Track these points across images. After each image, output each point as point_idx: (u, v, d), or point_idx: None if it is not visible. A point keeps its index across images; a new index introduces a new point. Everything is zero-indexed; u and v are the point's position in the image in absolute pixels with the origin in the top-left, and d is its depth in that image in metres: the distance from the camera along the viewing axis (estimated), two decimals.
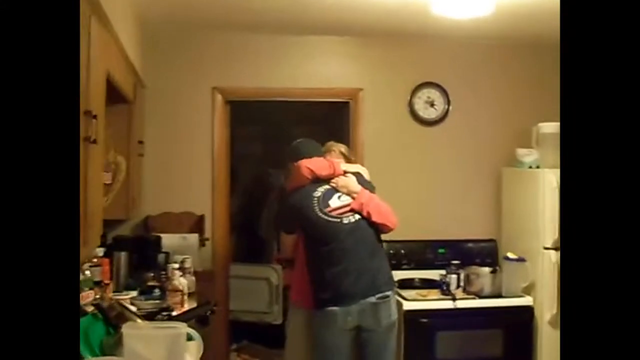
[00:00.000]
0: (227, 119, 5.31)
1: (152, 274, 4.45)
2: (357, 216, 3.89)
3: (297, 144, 4.14)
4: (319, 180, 3.94)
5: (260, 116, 6.25)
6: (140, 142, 4.74)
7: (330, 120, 6.03)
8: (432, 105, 5.40)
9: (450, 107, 5.41)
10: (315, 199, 3.89)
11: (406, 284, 4.98)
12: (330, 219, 3.85)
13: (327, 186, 3.95)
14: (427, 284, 4.97)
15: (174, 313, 3.93)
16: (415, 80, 5.39)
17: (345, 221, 3.86)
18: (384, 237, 5.16)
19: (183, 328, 2.69)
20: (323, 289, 3.83)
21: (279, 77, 5.27)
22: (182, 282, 4.19)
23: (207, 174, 5.19)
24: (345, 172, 4.03)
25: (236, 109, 5.44)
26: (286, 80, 5.28)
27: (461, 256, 5.08)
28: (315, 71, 5.31)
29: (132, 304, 4.15)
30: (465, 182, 5.44)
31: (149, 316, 3.76)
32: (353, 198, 3.94)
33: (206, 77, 5.19)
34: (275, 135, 6.57)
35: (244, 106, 5.43)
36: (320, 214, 3.85)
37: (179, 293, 4.13)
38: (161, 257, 4.72)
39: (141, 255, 4.65)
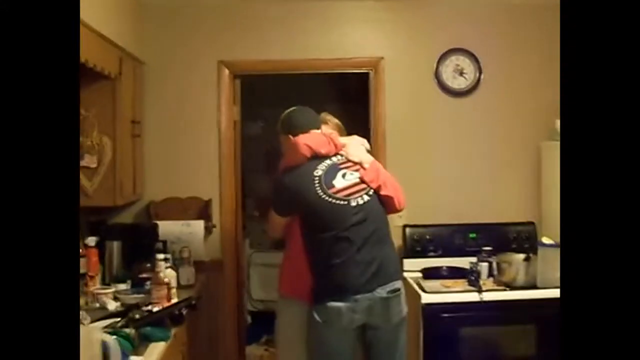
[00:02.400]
0: (235, 95, 4.89)
1: (148, 265, 4.10)
2: (366, 197, 3.41)
3: (291, 114, 3.64)
4: (317, 157, 3.46)
5: (274, 92, 5.79)
6: (135, 122, 4.38)
7: (351, 94, 5.53)
8: (461, 74, 4.86)
9: (482, 76, 4.85)
10: (317, 178, 3.39)
11: (432, 273, 4.48)
12: (335, 201, 3.35)
13: (328, 162, 3.46)
14: (455, 273, 4.45)
15: (156, 309, 3.57)
16: (442, 46, 4.85)
17: (354, 203, 3.37)
18: (406, 221, 4.78)
19: (97, 333, 2.29)
20: (325, 281, 3.36)
21: (292, 48, 4.82)
22: (168, 274, 3.79)
23: (213, 155, 4.79)
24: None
25: (247, 84, 5.02)
26: (300, 51, 4.82)
27: (495, 242, 4.53)
28: (331, 40, 4.84)
29: (115, 298, 3.82)
30: (500, 159, 4.87)
31: (124, 313, 3.40)
32: (364, 168, 3.47)
33: (211, 49, 4.78)
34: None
35: (254, 82, 5.00)
36: (324, 196, 3.35)
37: (164, 286, 3.74)
38: (159, 246, 4.35)
39: (136, 245, 4.30)
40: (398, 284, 3.44)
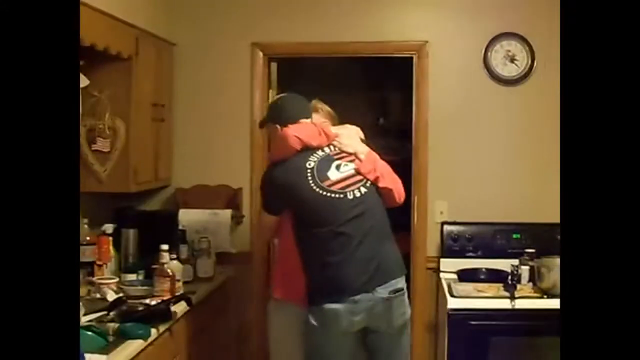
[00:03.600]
0: (269, 79, 4.66)
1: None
2: (364, 189, 3.15)
3: (279, 102, 3.40)
4: (308, 148, 3.20)
5: (311, 76, 5.50)
6: (158, 105, 4.21)
7: (393, 81, 5.20)
8: (512, 60, 4.45)
9: (535, 63, 4.44)
10: (309, 171, 3.14)
11: (467, 275, 4.13)
12: (331, 194, 3.10)
13: (320, 153, 3.21)
14: (493, 276, 4.09)
15: (154, 302, 3.39)
16: (491, 30, 4.47)
17: (350, 196, 3.12)
18: (446, 217, 4.44)
19: None
20: (320, 280, 3.11)
21: (330, 30, 4.54)
22: (173, 266, 3.61)
23: (245, 142, 4.58)
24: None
25: (285, 69, 4.78)
26: (339, 34, 4.54)
27: (541, 244, 4.11)
28: (372, 22, 4.53)
29: (120, 289, 3.66)
30: (552, 154, 4.41)
31: (111, 306, 3.24)
32: (359, 159, 3.21)
33: (244, 31, 4.56)
34: (330, 100, 5.89)
35: (294, 65, 4.75)
36: (318, 190, 3.11)
37: (167, 279, 3.56)
38: (179, 235, 4.18)
39: (154, 233, 4.13)
40: (401, 283, 3.17)
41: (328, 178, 3.14)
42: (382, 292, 3.08)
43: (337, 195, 3.11)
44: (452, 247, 4.33)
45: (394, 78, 5.60)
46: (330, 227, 3.08)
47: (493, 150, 4.49)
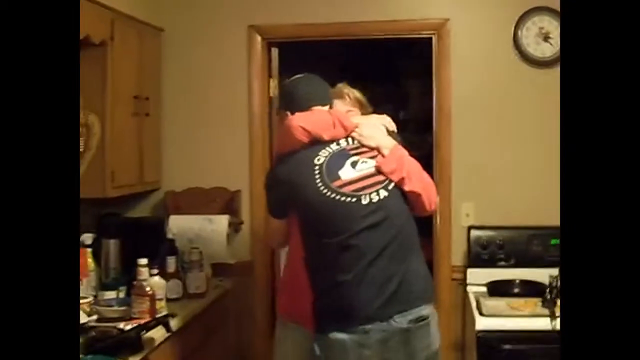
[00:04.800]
0: (269, 67, 4.14)
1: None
2: (384, 192, 2.58)
3: (292, 85, 2.85)
4: (319, 142, 2.66)
5: (319, 64, 4.93)
6: (140, 98, 3.70)
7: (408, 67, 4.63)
8: (546, 39, 3.88)
9: None
10: (317, 168, 2.60)
11: (499, 288, 3.58)
12: (340, 197, 2.54)
13: (334, 147, 2.66)
14: (529, 289, 3.52)
15: (129, 327, 2.88)
16: (522, 4, 3.91)
17: (365, 200, 2.54)
18: (473, 221, 3.89)
19: None
20: (326, 303, 2.57)
21: (338, 9, 4.00)
22: (153, 283, 3.10)
23: (243, 138, 4.05)
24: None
25: (285, 55, 4.24)
26: (348, 13, 4.00)
27: None
28: None
29: (94, 310, 3.15)
30: None
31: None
32: (382, 155, 2.64)
33: (240, 13, 4.05)
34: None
35: (294, 51, 4.20)
36: (325, 192, 2.55)
37: (147, 298, 3.05)
38: (167, 245, 3.67)
39: (138, 243, 3.62)
40: (426, 309, 2.59)
41: (339, 177, 2.58)
42: (401, 321, 2.51)
43: (348, 199, 2.54)
44: (480, 255, 3.77)
45: (411, 64, 5.07)
46: (338, 237, 2.53)
47: (526, 142, 3.91)
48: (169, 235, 3.81)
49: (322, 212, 2.57)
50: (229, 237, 3.96)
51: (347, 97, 2.96)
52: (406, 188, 2.62)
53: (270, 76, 4.14)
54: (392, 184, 2.61)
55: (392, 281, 2.52)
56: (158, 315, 3.05)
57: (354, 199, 2.55)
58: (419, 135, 5.48)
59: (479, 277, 3.71)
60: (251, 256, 4.07)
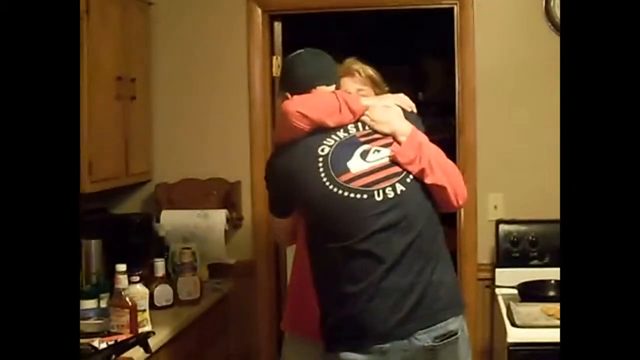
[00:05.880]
0: (271, 43, 3.72)
1: (139, 272, 3.03)
2: (401, 186, 2.21)
3: (291, 62, 2.48)
4: (323, 129, 2.28)
5: (329, 41, 4.49)
6: (124, 79, 3.29)
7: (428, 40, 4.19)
8: None
9: None
10: (321, 160, 2.24)
11: (532, 291, 3.14)
12: (350, 194, 2.19)
13: (341, 134, 2.29)
14: None
15: (103, 345, 2.49)
16: None
17: (379, 197, 2.19)
18: (503, 214, 3.46)
19: None
20: (336, 318, 2.22)
21: None
22: (133, 292, 2.70)
23: (243, 123, 3.64)
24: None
25: (290, 30, 3.82)
26: None
27: None
28: None
29: None
30: None
31: None
32: (398, 143, 2.27)
33: None
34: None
35: (300, 25, 3.78)
36: (331, 187, 2.20)
37: (126, 310, 2.65)
38: (157, 245, 3.29)
39: (124, 243, 3.23)
40: (454, 324, 2.23)
41: (347, 170, 2.23)
42: (424, 338, 2.16)
43: (358, 195, 2.19)
44: (510, 252, 3.34)
45: (431, 39, 4.62)
46: (348, 241, 2.18)
47: (559, 125, 3.46)
48: (161, 233, 3.43)
49: (328, 212, 2.20)
50: (228, 234, 3.58)
51: (357, 74, 2.56)
52: (428, 181, 2.24)
53: (273, 54, 3.72)
54: (411, 177, 2.24)
55: (412, 292, 2.17)
56: (140, 331, 2.66)
57: (365, 195, 2.18)
58: (441, 118, 5.05)
59: (508, 278, 3.27)
60: (253, 255, 3.66)
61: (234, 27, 3.62)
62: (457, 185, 2.31)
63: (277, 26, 3.75)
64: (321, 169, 2.21)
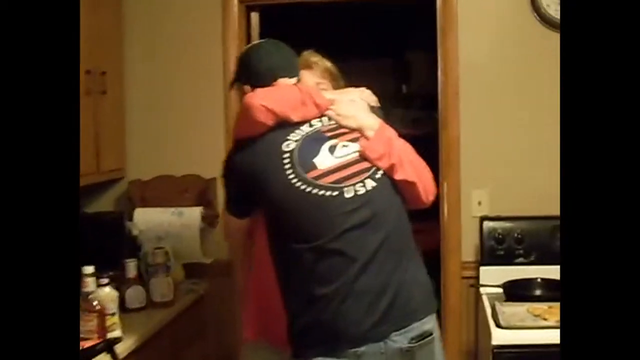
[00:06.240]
0: (248, 35, 3.59)
1: (110, 273, 2.92)
2: (371, 182, 2.12)
3: (250, 52, 2.38)
4: (287, 123, 2.18)
5: (309, 33, 4.38)
6: (94, 73, 3.15)
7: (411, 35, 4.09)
8: None
9: None
10: (286, 156, 2.13)
11: (518, 290, 3.04)
12: (319, 191, 2.09)
13: (306, 129, 2.19)
14: (554, 290, 2.98)
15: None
16: None
17: (349, 194, 2.10)
18: (487, 211, 3.36)
19: None
20: (305, 322, 2.10)
21: None
22: (102, 295, 2.59)
23: (219, 118, 3.50)
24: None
25: (268, 21, 3.68)
26: None
27: None
28: None
29: None
30: None
31: None
32: (366, 138, 2.18)
33: None
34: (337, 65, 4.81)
35: (278, 17, 3.66)
36: (299, 184, 2.10)
37: (94, 315, 2.53)
38: (128, 244, 3.17)
39: (93, 244, 3.10)
40: (429, 323, 2.15)
41: (315, 166, 2.13)
42: (400, 339, 2.07)
43: (328, 193, 2.09)
44: (495, 250, 3.23)
45: (415, 32, 4.52)
46: (318, 241, 2.08)
47: (547, 118, 3.33)
48: (134, 232, 3.31)
49: (295, 210, 2.10)
50: (203, 233, 3.45)
51: (315, 66, 2.48)
52: (397, 177, 2.16)
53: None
54: (380, 172, 2.15)
55: (386, 292, 2.08)
56: (110, 336, 2.55)
57: (335, 193, 2.08)
58: (424, 111, 4.96)
59: (493, 277, 3.17)
60: (230, 254, 3.52)
61: (210, 19, 3.49)
62: (426, 181, 2.23)
63: (255, 17, 3.62)
64: (287, 166, 2.11)
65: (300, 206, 2.08)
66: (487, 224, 3.28)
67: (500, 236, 3.24)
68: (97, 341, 2.47)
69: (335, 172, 2.11)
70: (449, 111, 3.42)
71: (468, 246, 3.39)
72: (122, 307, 2.89)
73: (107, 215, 3.31)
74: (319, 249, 2.06)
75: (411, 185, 2.17)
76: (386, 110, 2.37)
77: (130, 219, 3.37)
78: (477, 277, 3.28)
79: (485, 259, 3.25)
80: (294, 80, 2.29)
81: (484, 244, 3.26)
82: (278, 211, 2.13)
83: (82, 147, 3.06)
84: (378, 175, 2.13)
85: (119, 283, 2.94)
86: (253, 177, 2.15)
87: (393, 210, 2.15)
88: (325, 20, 4.72)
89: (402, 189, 2.17)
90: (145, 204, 3.46)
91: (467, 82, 3.40)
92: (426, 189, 2.21)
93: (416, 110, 5.20)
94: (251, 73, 2.29)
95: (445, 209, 3.43)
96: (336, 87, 2.45)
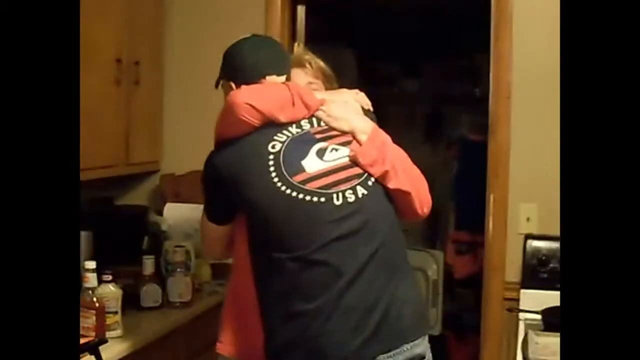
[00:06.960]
0: (293, 29, 3.51)
1: (130, 269, 2.87)
2: (362, 189, 1.96)
3: (237, 47, 2.21)
4: (274, 123, 2.02)
5: (354, 26, 4.16)
6: (126, 62, 3.09)
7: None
8: None
9: None
10: (271, 158, 1.97)
11: (557, 318, 2.77)
12: (305, 197, 1.93)
13: (294, 131, 2.03)
14: None
15: None
16: None
17: (338, 200, 1.93)
18: (535, 229, 3.10)
19: None
20: (285, 341, 1.95)
21: None
22: (103, 292, 2.49)
23: None
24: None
25: (315, 15, 3.55)
26: None
27: None
28: None
29: None
30: None
31: None
32: (358, 142, 2.02)
33: None
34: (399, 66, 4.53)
35: (325, 11, 3.51)
36: (283, 189, 1.94)
37: (92, 312, 2.44)
38: (149, 240, 3.09)
39: (116, 238, 3.03)
40: (420, 346, 1.97)
41: (302, 170, 1.96)
42: None
43: (316, 198, 1.93)
44: (537, 272, 2.97)
45: (483, 33, 4.31)
46: (301, 251, 1.91)
47: None
48: (164, 227, 3.21)
49: (278, 216, 1.93)
50: None
51: (308, 65, 2.29)
52: (391, 185, 1.99)
53: (294, 40, 3.47)
54: (372, 180, 1.97)
55: (375, 310, 1.91)
56: (109, 336, 2.45)
57: (323, 199, 1.92)
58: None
59: (532, 302, 2.91)
60: None
61: (253, 11, 3.39)
62: (422, 192, 2.05)
63: (301, 10, 3.49)
64: (272, 168, 1.95)
65: (283, 211, 1.92)
66: (531, 243, 3.02)
67: (544, 257, 2.98)
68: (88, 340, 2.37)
69: (323, 176, 1.94)
70: (499, 117, 3.21)
71: (512, 265, 3.14)
72: (137, 305, 2.81)
73: (132, 209, 3.23)
74: (303, 259, 1.89)
75: (405, 195, 1.99)
76: (376, 111, 2.18)
77: (161, 213, 3.28)
78: (518, 300, 3.04)
79: (526, 281, 2.99)
80: (282, 78, 2.12)
81: (525, 265, 3.01)
82: (259, 216, 1.96)
83: (108, 137, 3.03)
84: (370, 183, 1.96)
85: (137, 280, 2.86)
86: (235, 180, 1.99)
87: (386, 220, 1.97)
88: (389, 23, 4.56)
89: (395, 199, 2.00)
90: (179, 199, 3.36)
91: (520, 87, 3.18)
92: (421, 200, 2.03)
93: (485, 116, 4.96)
94: (236, 69, 2.14)
95: (490, 223, 3.19)
96: (329, 88, 2.28)
